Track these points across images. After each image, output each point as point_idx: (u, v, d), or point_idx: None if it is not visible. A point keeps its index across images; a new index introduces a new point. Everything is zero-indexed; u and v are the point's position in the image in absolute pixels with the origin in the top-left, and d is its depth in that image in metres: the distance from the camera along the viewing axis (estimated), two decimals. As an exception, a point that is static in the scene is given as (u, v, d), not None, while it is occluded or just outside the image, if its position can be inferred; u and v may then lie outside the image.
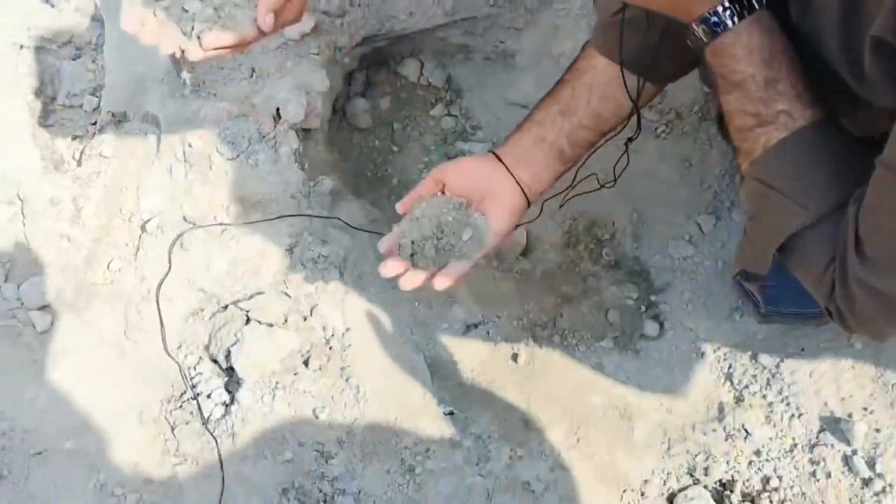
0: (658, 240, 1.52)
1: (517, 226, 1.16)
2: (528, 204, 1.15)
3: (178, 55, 1.03)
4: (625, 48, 1.07)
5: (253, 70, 1.56)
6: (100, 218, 1.44)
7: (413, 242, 1.10)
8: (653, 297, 1.47)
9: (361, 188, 1.70)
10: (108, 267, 1.41)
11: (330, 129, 1.73)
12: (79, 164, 1.50)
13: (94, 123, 1.52)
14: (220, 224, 1.44)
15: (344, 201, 1.55)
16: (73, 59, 1.57)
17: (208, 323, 1.35)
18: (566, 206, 1.32)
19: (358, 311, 1.40)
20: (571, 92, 1.14)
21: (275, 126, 1.54)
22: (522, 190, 1.13)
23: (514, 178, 1.12)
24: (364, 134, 1.79)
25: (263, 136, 1.53)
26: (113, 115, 1.50)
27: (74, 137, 1.53)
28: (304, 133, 1.60)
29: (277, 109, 1.53)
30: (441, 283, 1.09)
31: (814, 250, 0.86)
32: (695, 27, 0.89)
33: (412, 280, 1.10)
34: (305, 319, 1.37)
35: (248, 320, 1.34)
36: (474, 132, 1.77)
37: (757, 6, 0.87)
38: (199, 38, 1.01)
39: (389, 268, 1.10)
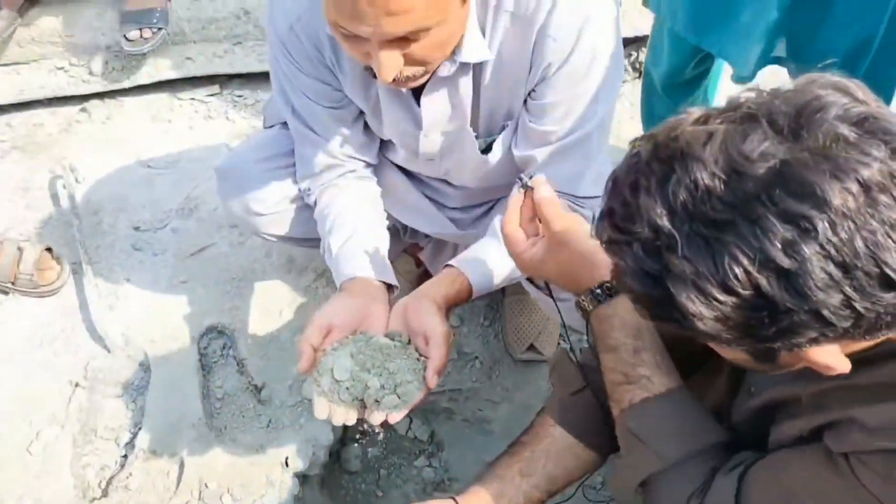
0: None
1: None
2: None
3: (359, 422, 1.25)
4: (582, 424, 1.24)
5: (270, 421, 1.83)
6: (115, 549, 1.61)
7: None
8: None
9: (348, 531, 1.88)
10: None
11: (324, 471, 1.96)
12: (104, 493, 1.69)
13: (125, 456, 1.74)
14: (223, 564, 1.61)
15: (335, 546, 1.73)
16: (116, 398, 1.83)
17: None
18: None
19: None
20: (531, 454, 1.25)
21: (281, 473, 1.77)
22: None
23: None
24: (353, 477, 2.02)
25: (270, 482, 1.75)
26: (144, 451, 1.73)
27: (103, 468, 1.73)
28: (304, 478, 1.83)
29: (286, 458, 1.78)
30: None
31: (672, 487, 1.04)
32: (582, 298, 1.12)
33: None
34: None
35: None
36: (451, 484, 2.01)
37: None
38: (378, 406, 1.21)
39: None
